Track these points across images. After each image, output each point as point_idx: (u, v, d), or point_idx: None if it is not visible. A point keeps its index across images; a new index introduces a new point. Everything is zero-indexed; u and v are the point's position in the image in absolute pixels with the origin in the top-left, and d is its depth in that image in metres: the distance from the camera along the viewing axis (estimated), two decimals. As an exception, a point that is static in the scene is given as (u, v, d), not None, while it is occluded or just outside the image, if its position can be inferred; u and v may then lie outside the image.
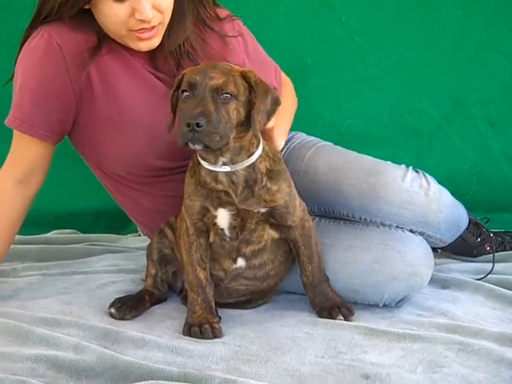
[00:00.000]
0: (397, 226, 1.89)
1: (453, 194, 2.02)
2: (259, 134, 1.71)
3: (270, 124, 1.83)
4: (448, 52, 2.57)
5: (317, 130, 2.22)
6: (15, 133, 1.88)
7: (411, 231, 1.90)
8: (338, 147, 2.08)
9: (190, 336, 1.69)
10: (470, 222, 2.19)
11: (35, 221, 2.23)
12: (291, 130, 2.08)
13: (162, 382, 1.44)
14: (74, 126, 1.90)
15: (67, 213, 2.65)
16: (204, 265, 1.76)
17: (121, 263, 2.24)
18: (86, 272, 2.15)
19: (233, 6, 2.09)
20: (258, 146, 1.70)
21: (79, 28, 1.82)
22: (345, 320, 1.76)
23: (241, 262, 1.78)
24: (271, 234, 1.77)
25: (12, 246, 1.97)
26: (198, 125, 1.55)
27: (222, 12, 2.03)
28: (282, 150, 2.05)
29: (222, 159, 1.67)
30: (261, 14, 2.53)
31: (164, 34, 1.85)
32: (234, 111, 1.61)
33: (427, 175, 1.96)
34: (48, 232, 2.60)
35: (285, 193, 1.73)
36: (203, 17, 1.96)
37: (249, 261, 1.78)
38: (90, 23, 1.82)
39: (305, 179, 1.97)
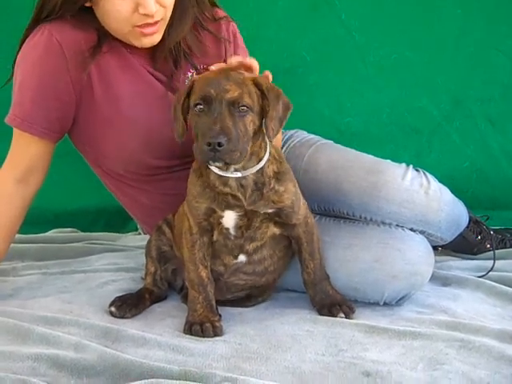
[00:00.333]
0: (397, 225, 1.89)
1: (453, 192, 2.02)
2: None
3: None
4: (448, 50, 2.57)
5: (317, 128, 2.22)
6: (15, 131, 1.88)
7: (411, 230, 1.89)
8: (339, 145, 2.08)
9: (191, 334, 1.69)
10: (470, 220, 2.19)
11: (35, 220, 2.23)
12: (291, 128, 2.07)
13: (163, 380, 1.44)
14: (73, 124, 1.90)
15: (67, 212, 2.65)
16: (206, 263, 1.75)
17: (121, 262, 2.24)
18: (86, 271, 2.15)
19: (232, 4, 2.09)
20: (265, 150, 1.70)
21: (80, 26, 1.82)
22: (345, 318, 1.76)
23: (242, 258, 1.78)
24: (274, 230, 1.76)
25: (12, 244, 1.97)
26: (219, 144, 1.54)
27: (219, 12, 2.02)
28: (283, 147, 2.06)
29: (234, 166, 1.66)
30: (260, 11, 2.54)
31: (164, 32, 1.85)
32: (251, 123, 1.61)
33: (427, 174, 1.96)
34: (48, 231, 2.60)
35: (291, 193, 1.73)
36: (200, 18, 1.96)
37: (250, 256, 1.78)
38: (91, 21, 1.82)
39: (305, 177, 1.96)
